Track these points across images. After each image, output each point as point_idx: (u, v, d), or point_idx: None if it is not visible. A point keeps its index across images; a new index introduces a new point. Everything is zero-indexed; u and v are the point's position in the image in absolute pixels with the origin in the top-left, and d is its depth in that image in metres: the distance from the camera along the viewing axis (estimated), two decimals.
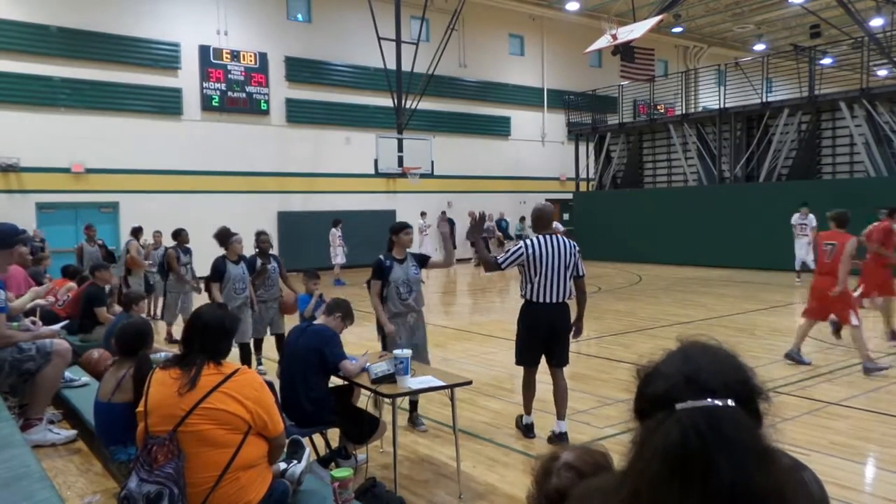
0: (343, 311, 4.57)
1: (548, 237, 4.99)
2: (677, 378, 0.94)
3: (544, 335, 5.02)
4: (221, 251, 8.22)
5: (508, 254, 5.06)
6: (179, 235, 10.03)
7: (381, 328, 5.41)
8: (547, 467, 1.36)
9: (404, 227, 5.49)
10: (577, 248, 5.07)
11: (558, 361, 5.11)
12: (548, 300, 4.94)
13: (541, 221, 5.17)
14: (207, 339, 2.84)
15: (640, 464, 0.90)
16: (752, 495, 0.85)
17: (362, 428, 4.35)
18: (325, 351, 4.21)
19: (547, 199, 26.09)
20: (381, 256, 5.43)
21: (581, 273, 5.10)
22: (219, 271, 7.13)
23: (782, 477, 0.90)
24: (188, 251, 10.09)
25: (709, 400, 0.90)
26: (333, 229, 17.30)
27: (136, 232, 11.75)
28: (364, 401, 4.78)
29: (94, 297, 7.25)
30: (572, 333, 5.18)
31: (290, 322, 8.35)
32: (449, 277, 18.79)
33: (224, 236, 7.37)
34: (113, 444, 3.66)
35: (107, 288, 8.19)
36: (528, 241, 4.98)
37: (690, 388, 0.92)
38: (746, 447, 0.87)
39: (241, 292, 7.19)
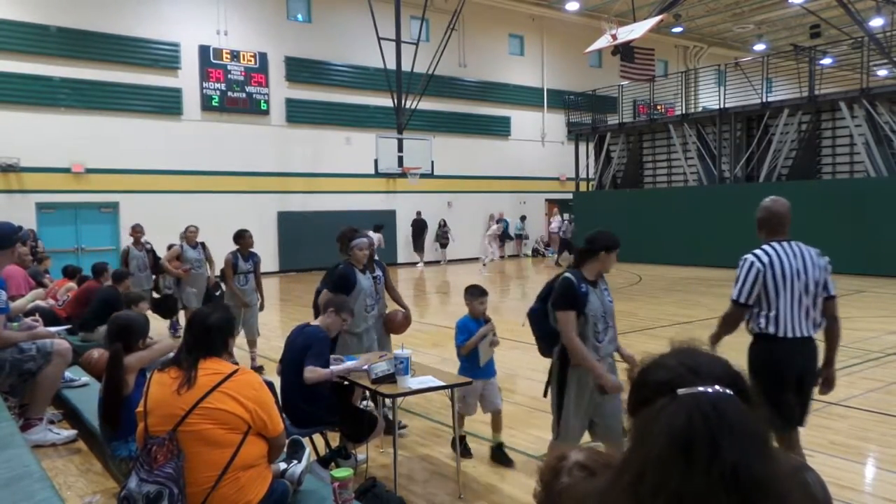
0: (335, 306, 4.44)
1: (785, 244, 3.58)
2: (680, 369, 0.98)
3: (794, 382, 3.51)
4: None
5: (741, 280, 3.58)
6: (242, 238, 8.04)
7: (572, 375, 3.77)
8: (556, 467, 1.36)
9: (615, 243, 3.79)
10: (828, 259, 3.63)
11: (800, 418, 3.58)
12: (796, 333, 3.50)
13: (778, 224, 3.65)
14: (205, 338, 2.85)
15: (644, 447, 0.93)
16: (752, 478, 0.88)
17: (362, 427, 4.34)
18: (308, 352, 4.15)
19: (546, 199, 26.24)
20: (571, 276, 3.73)
21: (831, 292, 3.60)
22: (349, 282, 5.23)
23: (780, 467, 0.93)
24: (251, 257, 8.05)
25: (714, 387, 0.95)
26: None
27: (187, 233, 9.53)
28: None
29: (111, 301, 6.69)
30: (819, 386, 3.65)
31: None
32: (448, 277, 18.78)
33: (346, 238, 5.45)
34: (114, 439, 3.66)
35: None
36: (762, 253, 3.57)
37: (693, 376, 0.97)
38: (747, 432, 0.91)
39: (372, 310, 5.37)
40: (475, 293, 4.79)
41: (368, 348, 5.23)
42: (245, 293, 7.86)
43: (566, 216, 23.44)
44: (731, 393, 0.95)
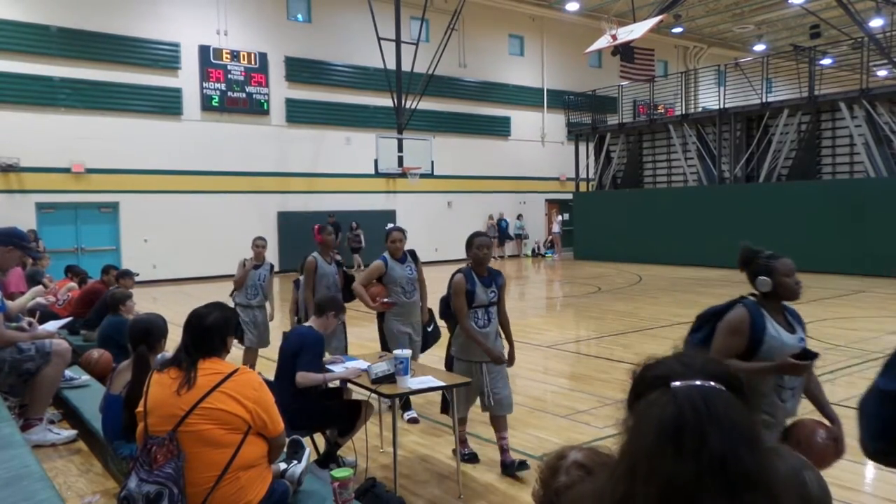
0: (317, 308, 4.41)
1: None
2: (676, 365, 1.01)
3: None
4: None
5: None
6: (485, 246, 4.82)
7: None
8: (554, 465, 1.37)
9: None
10: None
11: None
12: None
13: None
14: (204, 339, 2.85)
15: (637, 439, 0.95)
16: (741, 469, 0.89)
17: (351, 415, 4.30)
18: (300, 354, 4.11)
19: (546, 200, 26.21)
20: None
21: None
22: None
23: (770, 461, 0.94)
24: (494, 278, 4.83)
25: (707, 382, 0.97)
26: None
27: (391, 240, 5.68)
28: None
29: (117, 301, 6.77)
30: None
31: None
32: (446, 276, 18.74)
33: (749, 258, 3.22)
34: (117, 438, 3.66)
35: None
36: None
37: (687, 370, 0.99)
38: (737, 426, 0.93)
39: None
40: None
41: None
42: (488, 338, 4.59)
43: (561, 216, 23.41)
44: (722, 388, 0.97)
